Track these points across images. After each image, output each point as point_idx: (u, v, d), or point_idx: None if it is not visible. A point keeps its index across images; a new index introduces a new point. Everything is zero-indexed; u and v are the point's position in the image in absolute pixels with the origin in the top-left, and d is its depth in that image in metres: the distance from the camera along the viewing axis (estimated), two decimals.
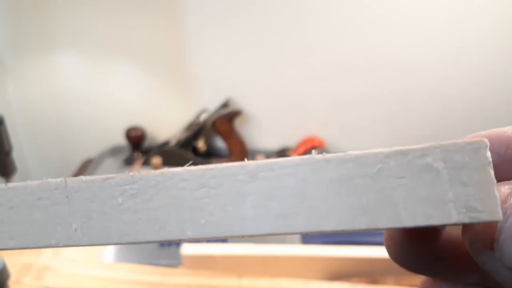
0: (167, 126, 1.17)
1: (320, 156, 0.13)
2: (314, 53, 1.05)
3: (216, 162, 1.19)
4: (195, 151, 1.11)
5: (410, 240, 0.16)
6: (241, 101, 1.11)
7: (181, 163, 1.15)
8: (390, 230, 0.17)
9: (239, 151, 1.08)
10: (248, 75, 1.09)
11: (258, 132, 1.15)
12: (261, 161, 0.13)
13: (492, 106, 1.04)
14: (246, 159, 0.14)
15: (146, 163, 1.05)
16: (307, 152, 1.08)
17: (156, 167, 0.94)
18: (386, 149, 0.12)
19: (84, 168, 1.10)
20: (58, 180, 0.14)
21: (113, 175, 0.14)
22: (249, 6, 1.01)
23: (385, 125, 1.11)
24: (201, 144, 1.10)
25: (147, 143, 1.14)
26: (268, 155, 1.12)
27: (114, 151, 1.17)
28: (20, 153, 1.22)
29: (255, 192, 0.13)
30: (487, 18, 0.95)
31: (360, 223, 0.12)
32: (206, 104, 1.13)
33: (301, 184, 0.13)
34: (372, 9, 0.98)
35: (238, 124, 1.11)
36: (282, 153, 1.10)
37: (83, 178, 0.14)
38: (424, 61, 1.02)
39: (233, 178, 0.13)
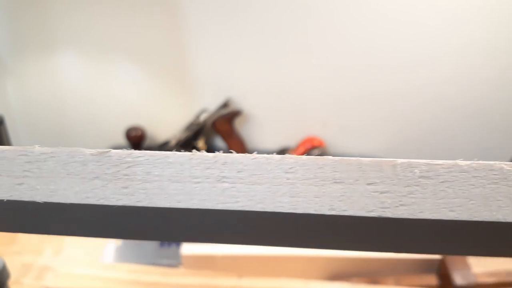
0: (167, 126, 1.17)
1: None
2: (314, 54, 1.05)
3: None
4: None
5: None
6: (241, 101, 1.11)
7: None
8: None
9: (239, 151, 1.08)
10: (248, 75, 1.09)
11: (258, 132, 1.15)
12: None
13: (492, 106, 1.05)
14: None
15: None
16: (307, 151, 1.08)
17: None
18: None
19: None
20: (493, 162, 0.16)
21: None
22: (249, 6, 1.01)
23: (385, 125, 1.11)
24: (201, 144, 1.10)
25: (147, 143, 1.14)
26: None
27: None
28: None
29: None
30: (488, 19, 0.95)
31: None
32: (206, 104, 1.13)
33: None
34: (372, 9, 0.98)
35: (238, 124, 1.11)
36: (282, 153, 1.10)
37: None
38: (424, 62, 1.02)
39: None
